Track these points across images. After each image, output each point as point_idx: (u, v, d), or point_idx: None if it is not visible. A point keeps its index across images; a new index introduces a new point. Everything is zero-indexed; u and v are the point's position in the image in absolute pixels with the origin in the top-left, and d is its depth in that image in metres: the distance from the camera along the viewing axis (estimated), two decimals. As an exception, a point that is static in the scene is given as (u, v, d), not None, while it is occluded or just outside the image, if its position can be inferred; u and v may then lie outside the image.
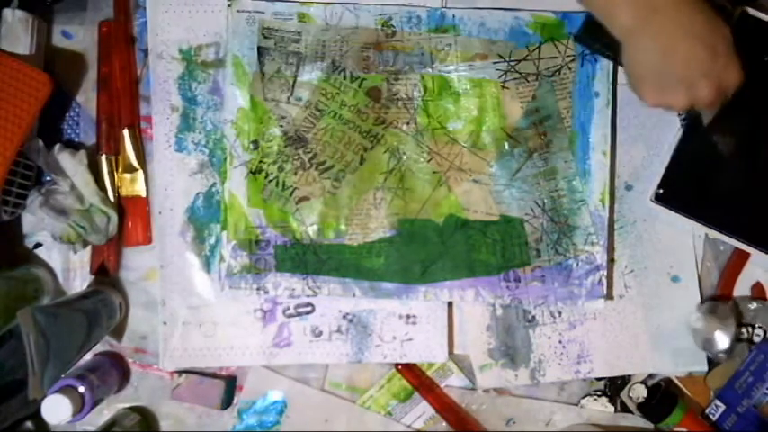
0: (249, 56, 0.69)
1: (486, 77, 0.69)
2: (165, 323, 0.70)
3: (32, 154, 0.69)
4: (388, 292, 0.69)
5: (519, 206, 0.69)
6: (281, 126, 0.69)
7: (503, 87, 0.69)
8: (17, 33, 0.68)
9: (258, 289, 0.69)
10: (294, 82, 0.69)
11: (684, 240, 0.71)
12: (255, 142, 0.69)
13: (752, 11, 0.68)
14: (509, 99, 0.69)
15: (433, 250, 0.69)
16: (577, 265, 0.69)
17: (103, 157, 0.71)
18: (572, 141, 0.69)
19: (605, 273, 0.69)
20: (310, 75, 0.69)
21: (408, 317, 0.70)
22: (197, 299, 0.70)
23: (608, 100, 0.69)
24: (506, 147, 0.69)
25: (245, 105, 0.69)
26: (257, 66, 0.69)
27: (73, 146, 0.71)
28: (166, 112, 0.71)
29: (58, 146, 0.69)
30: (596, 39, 0.67)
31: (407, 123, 0.69)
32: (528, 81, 0.69)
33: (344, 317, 0.70)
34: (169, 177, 0.71)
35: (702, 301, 0.71)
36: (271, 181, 0.69)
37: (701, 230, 0.71)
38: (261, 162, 0.69)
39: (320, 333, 0.70)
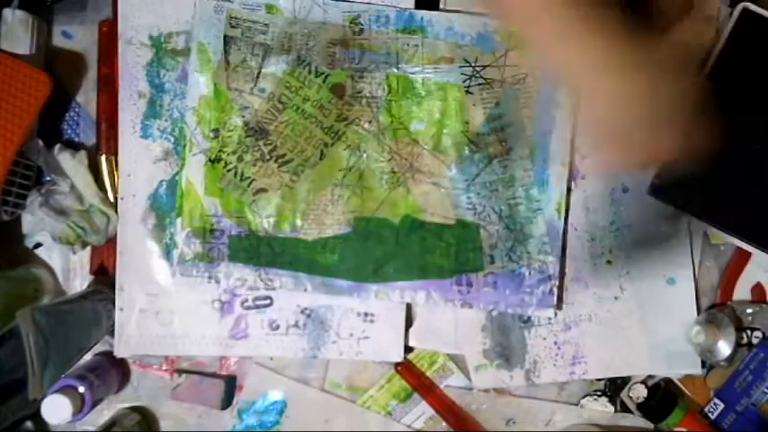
0: (215, 44, 0.68)
1: (450, 81, 0.69)
2: (121, 309, 0.70)
3: (32, 154, 0.69)
4: (340, 290, 0.69)
5: (476, 211, 0.69)
6: (243, 116, 0.68)
7: (467, 92, 0.69)
8: (17, 33, 0.68)
9: (210, 277, 0.69)
10: (259, 73, 0.69)
11: (681, 243, 0.71)
12: (216, 131, 0.69)
13: (753, 7, 0.68)
14: (472, 104, 0.69)
15: (387, 250, 0.69)
16: (530, 273, 0.69)
17: (103, 157, 0.71)
18: (532, 150, 0.69)
19: (557, 282, 0.69)
20: (275, 67, 0.69)
21: (366, 315, 0.70)
22: (155, 287, 0.70)
23: (570, 112, 0.69)
24: (467, 151, 0.69)
25: (208, 93, 0.68)
26: (222, 54, 0.68)
27: (73, 146, 0.71)
28: (133, 98, 0.70)
29: (58, 146, 0.69)
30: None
31: (369, 122, 0.69)
32: (492, 87, 0.69)
33: (302, 312, 0.70)
34: (133, 164, 0.70)
35: (698, 305, 0.71)
36: (229, 170, 0.69)
37: (699, 231, 0.71)
38: (220, 151, 0.69)
39: (277, 327, 0.70)
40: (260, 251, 0.69)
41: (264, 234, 0.69)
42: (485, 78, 0.69)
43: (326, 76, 0.69)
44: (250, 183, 0.69)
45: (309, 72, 0.69)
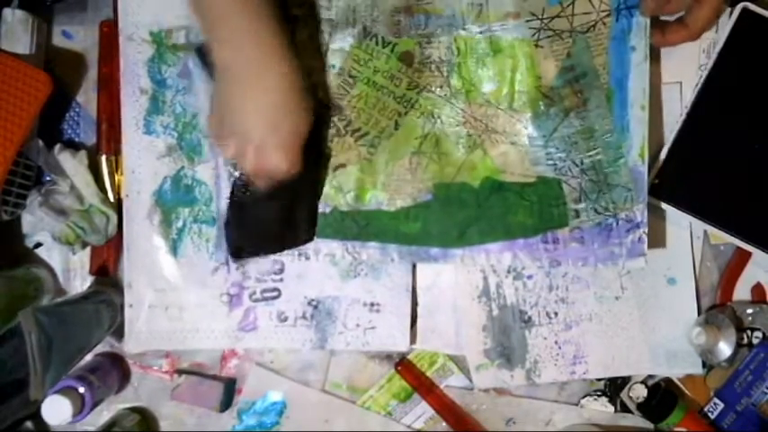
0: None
1: (519, 37, 0.67)
2: (130, 306, 0.70)
3: (32, 154, 0.68)
4: (427, 257, 0.68)
5: (556, 167, 0.68)
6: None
7: (536, 46, 0.67)
8: (17, 33, 0.68)
9: (300, 255, 0.69)
10: (327, 49, 0.68)
11: (682, 243, 0.71)
12: None
13: (753, 7, 0.68)
14: (543, 58, 0.67)
15: (469, 214, 0.68)
16: (617, 224, 0.67)
17: (103, 157, 0.71)
18: (609, 98, 0.67)
19: (646, 230, 0.67)
20: (342, 42, 0.68)
21: (372, 305, 0.70)
22: (163, 282, 0.70)
23: (645, 54, 0.67)
24: (542, 107, 0.68)
25: None
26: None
27: (73, 146, 0.71)
28: (135, 95, 0.70)
29: (58, 146, 0.69)
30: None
31: (441, 87, 0.68)
32: (562, 38, 0.67)
33: (310, 303, 0.70)
34: (137, 160, 0.70)
35: (699, 304, 0.71)
36: None
37: (699, 231, 0.71)
38: None
39: (285, 318, 0.70)
40: (345, 225, 0.68)
41: (348, 208, 0.68)
42: (553, 30, 0.67)
43: (394, 46, 0.68)
44: (329, 159, 0.68)
45: (376, 43, 0.68)
